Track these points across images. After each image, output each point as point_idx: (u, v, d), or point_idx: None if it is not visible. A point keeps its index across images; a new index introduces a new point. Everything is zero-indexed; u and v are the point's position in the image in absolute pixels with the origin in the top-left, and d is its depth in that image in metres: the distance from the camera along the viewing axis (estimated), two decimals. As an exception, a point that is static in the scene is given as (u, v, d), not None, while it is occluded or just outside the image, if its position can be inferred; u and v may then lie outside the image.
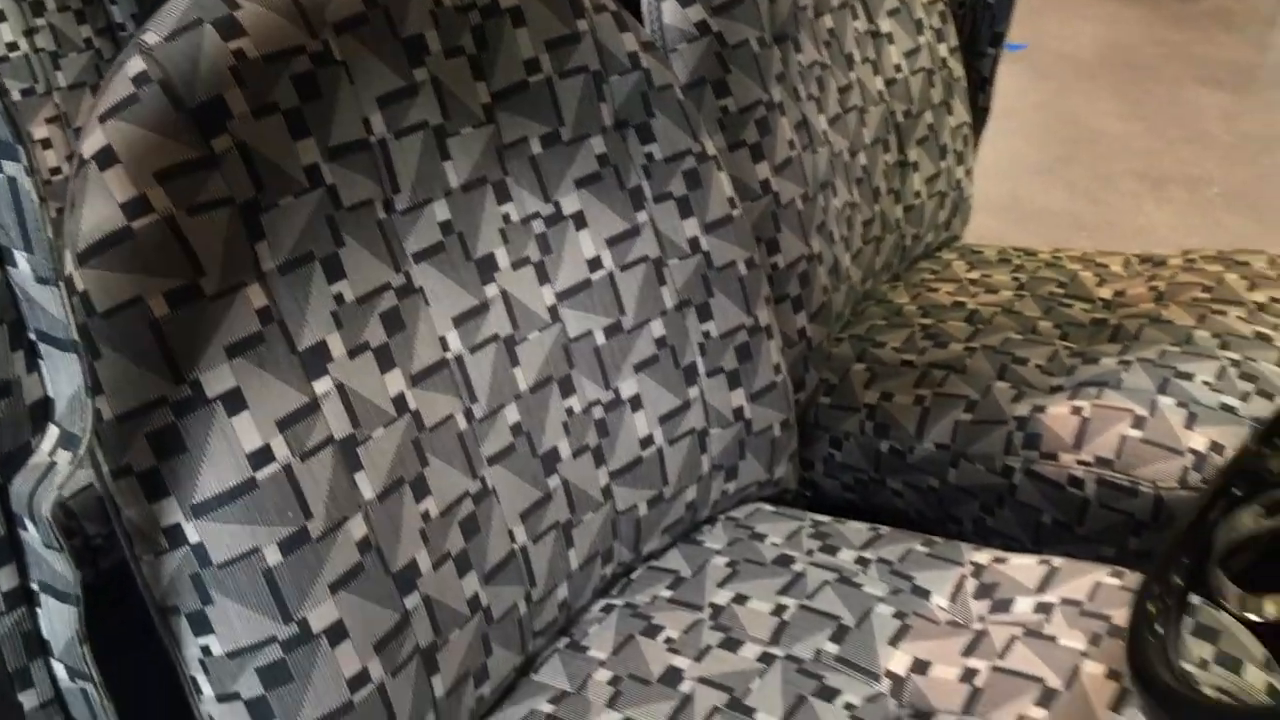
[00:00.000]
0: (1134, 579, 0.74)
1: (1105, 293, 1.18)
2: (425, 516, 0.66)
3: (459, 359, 0.69)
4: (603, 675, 0.74)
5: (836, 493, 1.11)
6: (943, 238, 1.38)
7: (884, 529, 0.87)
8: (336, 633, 0.60)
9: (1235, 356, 0.97)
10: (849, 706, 0.68)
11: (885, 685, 0.70)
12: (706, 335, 0.84)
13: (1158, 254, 1.27)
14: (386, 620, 0.62)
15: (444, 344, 0.68)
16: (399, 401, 0.65)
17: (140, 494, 0.56)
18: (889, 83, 1.21)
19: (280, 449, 0.58)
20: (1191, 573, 0.51)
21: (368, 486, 0.62)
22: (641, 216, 0.79)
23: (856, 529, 0.87)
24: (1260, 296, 1.09)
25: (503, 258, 0.72)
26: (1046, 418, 0.94)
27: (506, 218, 0.72)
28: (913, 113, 1.24)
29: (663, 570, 0.85)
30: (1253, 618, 0.48)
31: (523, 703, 0.73)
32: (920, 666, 0.71)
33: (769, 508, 0.93)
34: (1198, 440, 0.88)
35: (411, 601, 0.64)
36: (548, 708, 0.72)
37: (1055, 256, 1.30)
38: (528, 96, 0.73)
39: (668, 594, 0.82)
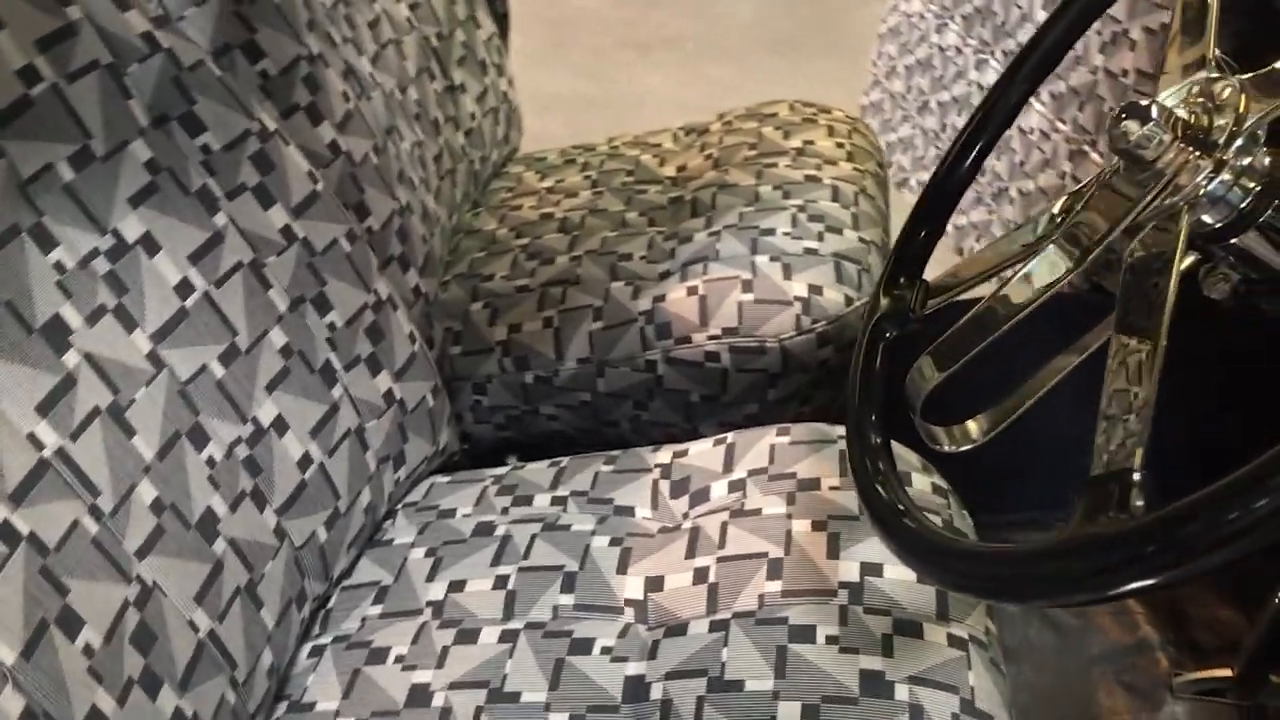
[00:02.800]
0: (801, 430, 0.80)
1: (670, 170, 1.24)
2: (88, 652, 0.54)
3: (60, 453, 0.56)
4: (345, 725, 0.67)
5: (490, 435, 1.09)
6: (506, 152, 1.36)
7: (563, 460, 0.87)
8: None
9: (799, 203, 1.07)
10: (605, 650, 0.68)
11: (630, 614, 0.70)
12: (332, 327, 0.76)
13: (698, 122, 1.35)
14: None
15: (35, 442, 0.55)
16: (5, 534, 0.51)
17: None
18: (413, 6, 1.15)
19: None
20: (885, 425, 0.56)
21: (7, 652, 0.49)
22: (219, 220, 0.69)
23: (537, 470, 0.86)
24: (796, 142, 1.20)
25: (72, 316, 0.58)
26: (669, 305, 0.98)
27: (60, 266, 0.58)
28: (444, 34, 1.19)
29: (361, 587, 0.78)
30: (965, 448, 0.53)
31: (268, 793, 0.64)
32: (654, 584, 0.72)
33: (443, 479, 0.88)
34: (798, 288, 0.96)
35: (107, 754, 0.53)
36: (297, 785, 0.64)
37: (612, 146, 1.34)
38: (35, 114, 0.59)
39: (376, 610, 0.76)
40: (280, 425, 0.71)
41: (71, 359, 0.58)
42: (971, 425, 0.54)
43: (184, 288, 0.65)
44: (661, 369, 0.98)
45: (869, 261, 1.01)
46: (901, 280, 0.62)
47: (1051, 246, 0.49)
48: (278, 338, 0.71)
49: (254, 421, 0.69)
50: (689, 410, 1.01)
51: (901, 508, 0.50)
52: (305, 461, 0.73)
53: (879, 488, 0.52)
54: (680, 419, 1.02)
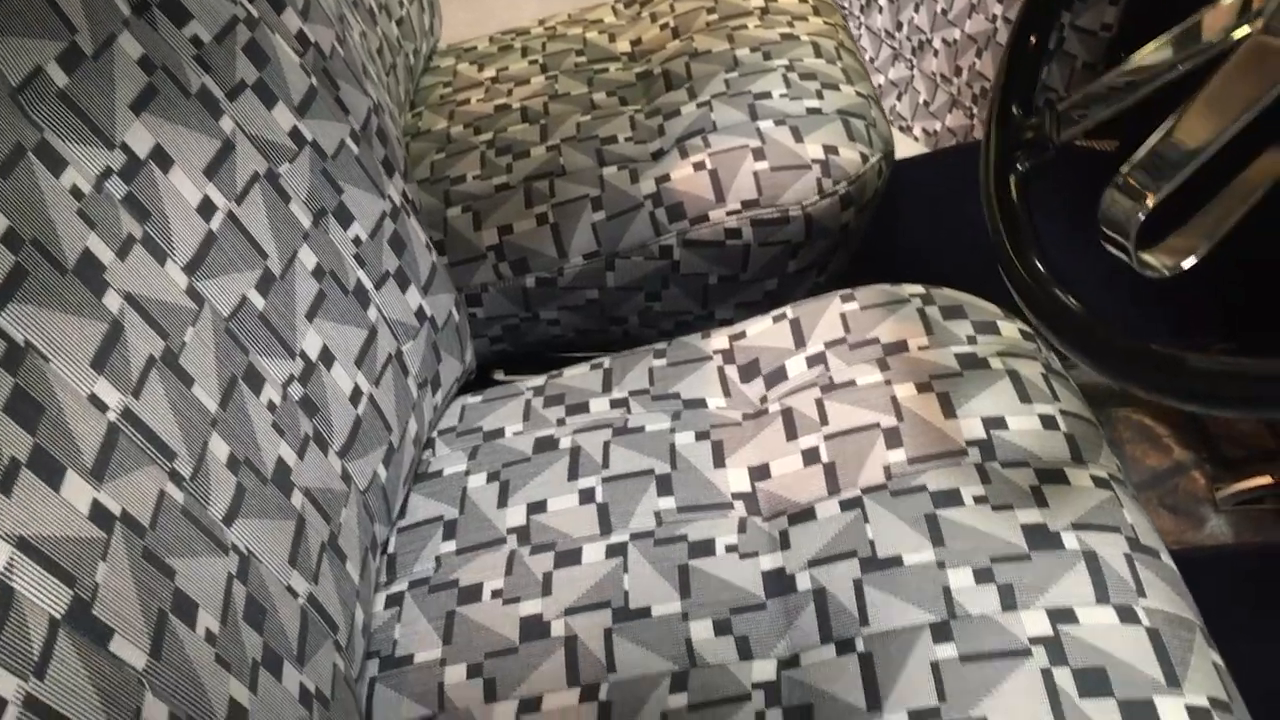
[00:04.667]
0: (868, 294, 0.75)
1: (623, 46, 1.15)
2: (211, 639, 0.45)
3: (127, 414, 0.46)
4: (456, 674, 0.61)
5: (485, 350, 1.01)
6: (430, 45, 1.24)
7: (604, 360, 0.80)
8: None
9: (784, 62, 1.01)
10: (730, 548, 0.63)
11: (742, 508, 0.66)
12: (357, 242, 0.67)
13: (636, -7, 1.26)
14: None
15: (99, 404, 0.45)
16: (99, 516, 0.42)
17: None
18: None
19: None
20: (1044, 255, 0.52)
21: (136, 654, 0.41)
22: (226, 124, 0.58)
23: (579, 375, 0.79)
24: (757, 0, 1.13)
25: (102, 250, 0.48)
26: (677, 184, 0.91)
27: (76, 191, 0.47)
28: (362, -90, 1.06)
29: (423, 525, 0.71)
30: (1187, 265, 0.49)
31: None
32: (760, 473, 0.67)
33: (473, 399, 0.81)
34: (814, 150, 0.91)
35: (257, 750, 0.45)
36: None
37: (548, 28, 1.24)
38: (9, 6, 0.47)
39: (450, 547, 0.69)
40: (327, 357, 0.62)
41: (113, 301, 0.47)
42: (1180, 241, 0.50)
43: (206, 208, 0.55)
44: (678, 253, 0.92)
45: (872, 115, 0.96)
46: (1015, 110, 0.58)
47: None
48: (308, 258, 0.62)
49: (302, 356, 0.60)
50: (706, 294, 0.95)
51: (1095, 321, 0.46)
52: (356, 395, 0.64)
53: (1062, 306, 0.48)
54: (696, 305, 0.96)
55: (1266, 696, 0.80)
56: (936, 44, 1.62)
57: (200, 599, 0.46)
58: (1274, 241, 0.75)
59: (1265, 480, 0.90)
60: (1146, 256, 0.49)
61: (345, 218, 0.66)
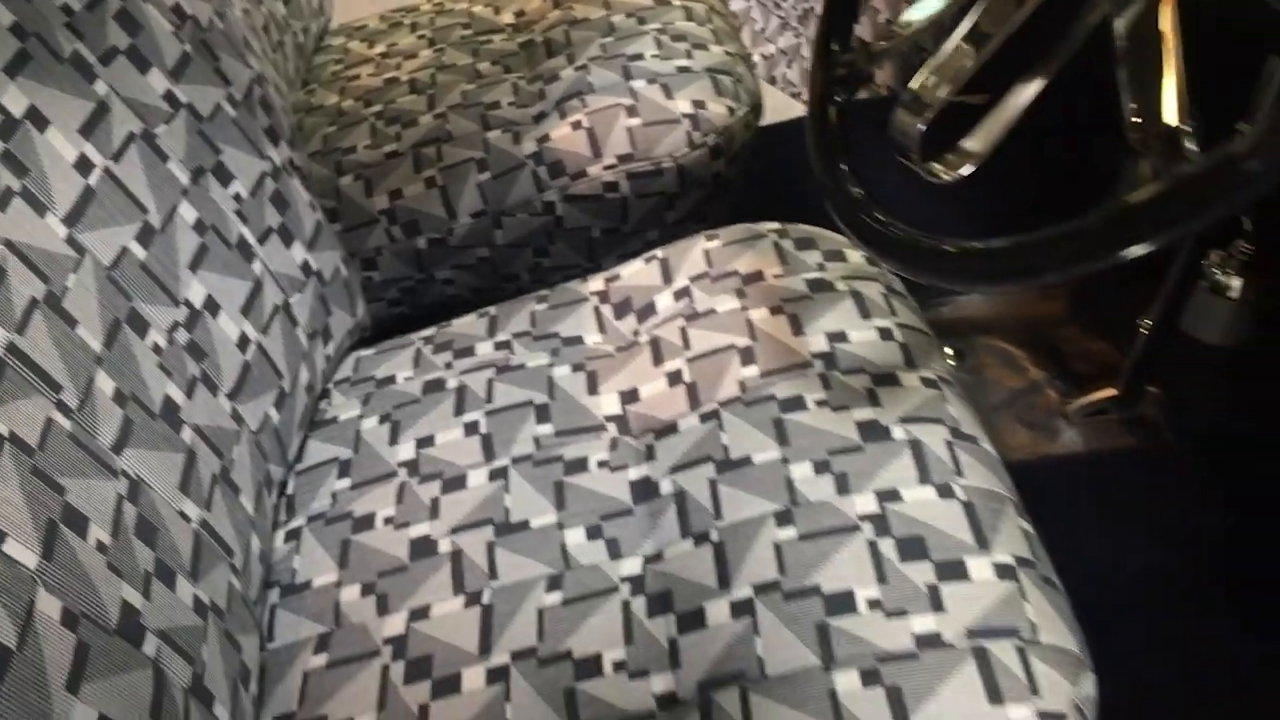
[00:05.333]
0: (729, 232, 0.81)
1: (508, 18, 1.20)
2: (102, 548, 0.50)
3: (12, 348, 0.50)
4: (351, 594, 0.66)
5: (385, 314, 1.05)
6: (321, 24, 1.27)
7: (490, 309, 0.85)
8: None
9: (657, 26, 1.06)
10: (602, 464, 0.69)
11: (614, 429, 0.71)
12: (238, 199, 0.70)
13: (520, -32, 1.30)
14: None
15: (-18, 339, 0.49)
16: (-15, 435, 0.46)
17: None
18: None
19: None
20: (860, 178, 0.58)
21: (28, 555, 0.45)
22: (100, 88, 0.61)
23: (466, 323, 0.84)
24: (633, -29, 1.18)
25: (-21, 200, 0.52)
26: (556, 143, 0.96)
27: (-49, 147, 0.51)
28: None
29: (318, 466, 0.75)
30: (968, 169, 0.55)
31: (284, 680, 0.62)
32: (629, 397, 0.73)
33: (367, 352, 0.85)
34: (683, 105, 0.96)
35: (150, 647, 0.50)
36: (313, 662, 0.62)
37: (436, 4, 1.28)
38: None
39: (345, 484, 0.73)
40: (212, 306, 0.66)
41: (-8, 247, 0.51)
42: (965, 145, 0.56)
43: (83, 165, 0.59)
44: (560, 208, 0.97)
45: (739, 72, 1.02)
46: (834, 47, 0.64)
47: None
48: (188, 213, 0.66)
49: (186, 304, 0.64)
50: (591, 247, 1.00)
51: (905, 229, 0.53)
52: (244, 342, 0.68)
53: (871, 217, 0.54)
54: (582, 258, 1.01)
55: (1100, 579, 0.88)
56: (819, 11, 1.69)
57: (90, 514, 0.50)
58: (1055, 143, 0.83)
59: (1111, 392, 0.98)
60: (933, 165, 0.55)
61: (225, 176, 0.70)
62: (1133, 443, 0.97)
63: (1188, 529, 0.90)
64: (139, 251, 0.61)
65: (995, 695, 0.52)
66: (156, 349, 0.60)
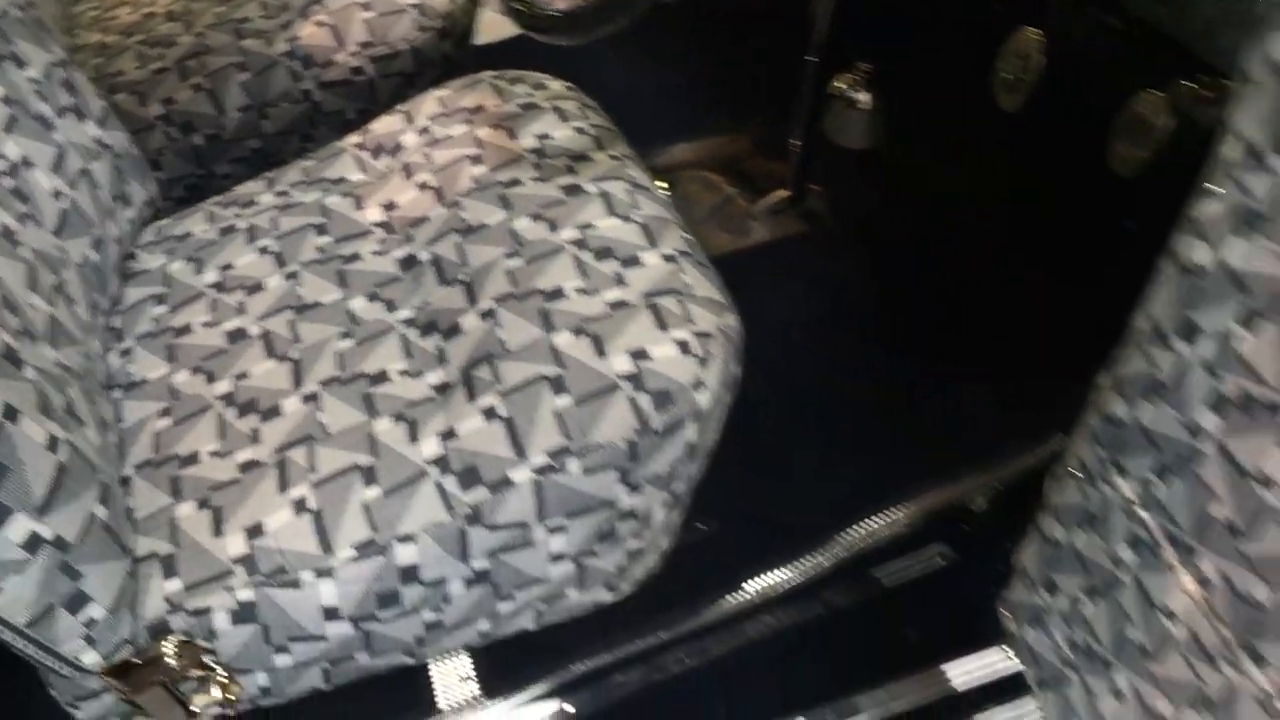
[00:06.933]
0: (457, 83, 1.01)
1: (248, -48, 1.34)
2: (-21, 305, 0.65)
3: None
4: (182, 376, 0.82)
5: (173, 214, 1.19)
6: (72, -23, 1.38)
7: (268, 173, 1.02)
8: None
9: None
10: (375, 253, 0.87)
11: (381, 232, 0.90)
12: (34, 81, 0.85)
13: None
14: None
15: None
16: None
17: None
18: None
19: None
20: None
21: None
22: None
23: (249, 185, 1.00)
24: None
25: None
26: (305, 40, 1.13)
27: None
28: None
29: (137, 305, 0.90)
30: None
31: (138, 442, 0.78)
32: (390, 207, 0.91)
33: (165, 220, 1.00)
34: (409, -2, 1.15)
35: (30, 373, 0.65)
36: (160, 423, 0.78)
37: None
38: None
39: (163, 309, 0.89)
40: (28, 163, 0.80)
41: None
42: None
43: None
44: (317, 95, 1.14)
45: (455, -30, 1.22)
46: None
47: None
48: (-5, 88, 0.80)
49: (5, 158, 0.78)
50: (350, 129, 1.18)
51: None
52: (58, 194, 0.83)
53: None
54: (337, 138, 1.19)
55: (783, 324, 1.14)
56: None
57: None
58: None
59: (784, 194, 1.25)
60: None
61: (19, 62, 0.84)
62: (804, 229, 1.24)
63: (844, 284, 1.17)
64: None
65: (663, 326, 0.75)
66: (-14, 189, 0.75)
